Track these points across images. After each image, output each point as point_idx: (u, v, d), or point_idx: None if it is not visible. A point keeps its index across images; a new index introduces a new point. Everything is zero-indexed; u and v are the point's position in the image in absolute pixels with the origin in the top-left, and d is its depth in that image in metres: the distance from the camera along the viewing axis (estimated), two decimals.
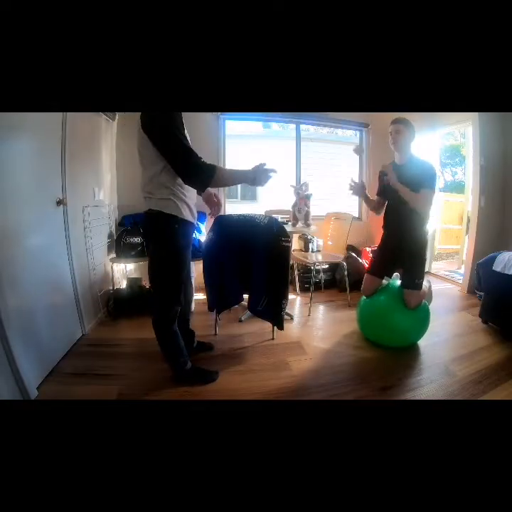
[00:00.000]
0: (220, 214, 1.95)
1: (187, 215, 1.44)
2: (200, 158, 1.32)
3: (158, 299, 1.52)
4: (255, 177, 1.40)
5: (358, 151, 2.12)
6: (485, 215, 3.15)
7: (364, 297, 2.21)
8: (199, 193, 1.47)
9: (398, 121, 1.93)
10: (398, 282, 2.11)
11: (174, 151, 1.27)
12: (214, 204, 1.75)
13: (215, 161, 3.40)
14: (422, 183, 1.88)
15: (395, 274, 2.26)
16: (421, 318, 2.05)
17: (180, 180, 1.36)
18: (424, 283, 2.07)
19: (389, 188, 2.08)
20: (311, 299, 2.74)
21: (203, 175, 1.31)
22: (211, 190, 1.61)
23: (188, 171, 1.30)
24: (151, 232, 1.47)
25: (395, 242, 2.06)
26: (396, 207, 2.05)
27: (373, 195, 2.25)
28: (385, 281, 2.19)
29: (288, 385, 1.67)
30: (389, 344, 2.06)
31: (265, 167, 1.42)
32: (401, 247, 2.00)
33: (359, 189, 2.15)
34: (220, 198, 1.76)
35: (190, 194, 1.47)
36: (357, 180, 2.18)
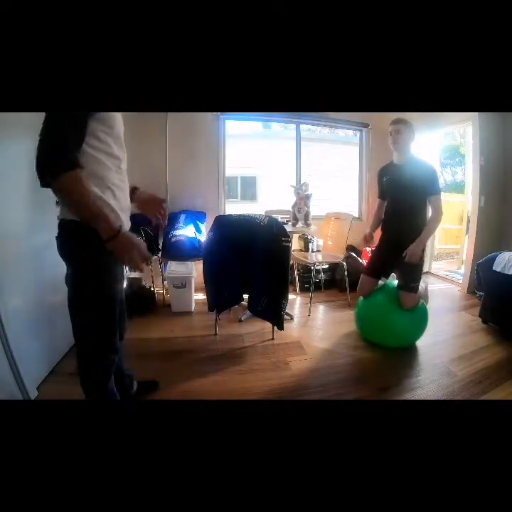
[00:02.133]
0: (221, 214, 1.91)
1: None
2: (70, 155, 0.88)
3: (84, 346, 1.08)
4: (118, 238, 0.92)
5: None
6: (485, 215, 3.15)
7: (361, 298, 2.21)
8: (43, 184, 0.90)
9: (398, 122, 1.93)
10: (395, 283, 2.11)
11: (44, 127, 0.87)
12: (152, 211, 1.25)
13: (215, 161, 3.44)
14: (428, 189, 1.90)
15: (391, 274, 2.25)
16: (418, 319, 2.05)
17: (105, 176, 0.99)
18: (421, 284, 2.07)
19: (388, 187, 2.08)
20: (311, 299, 2.74)
21: (52, 165, 0.86)
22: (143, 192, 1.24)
23: (41, 151, 0.86)
24: (65, 250, 1.03)
25: (393, 243, 2.06)
26: (395, 208, 2.06)
27: (374, 199, 2.26)
28: (381, 282, 2.19)
29: (288, 385, 1.67)
30: (387, 345, 2.06)
31: (134, 241, 0.96)
32: (399, 249, 2.00)
33: (370, 240, 2.14)
34: (164, 205, 1.25)
35: (119, 194, 1.04)
36: (366, 235, 2.14)
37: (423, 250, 1.97)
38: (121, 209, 1.05)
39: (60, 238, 1.03)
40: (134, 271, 1.01)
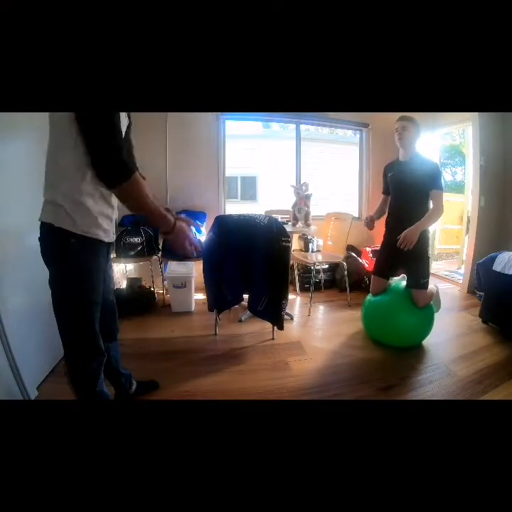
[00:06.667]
0: (221, 214, 1.91)
1: (89, 229, 0.98)
2: (127, 159, 0.96)
3: (69, 349, 1.09)
4: (174, 231, 1.02)
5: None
6: (485, 215, 3.15)
7: (369, 297, 2.21)
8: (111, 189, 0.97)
9: (404, 119, 1.95)
10: (403, 283, 2.11)
11: (101, 130, 0.90)
12: (181, 246, 1.09)
13: (215, 161, 3.44)
14: (431, 184, 1.91)
15: (400, 274, 2.24)
16: (426, 319, 2.05)
17: (88, 179, 0.95)
18: (432, 287, 2.06)
19: (392, 183, 2.08)
20: (311, 299, 2.74)
21: (120, 170, 0.93)
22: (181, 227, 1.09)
23: (104, 157, 0.92)
24: (45, 253, 1.02)
25: (396, 240, 2.05)
26: (398, 205, 2.06)
27: (376, 196, 2.25)
28: (392, 281, 2.18)
29: (288, 385, 1.67)
30: (394, 344, 2.05)
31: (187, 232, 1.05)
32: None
33: (371, 223, 2.16)
34: (194, 241, 1.13)
35: (103, 199, 1.02)
36: (368, 217, 2.18)
37: (427, 245, 1.97)
38: (102, 210, 1.03)
39: (40, 241, 1.02)
40: (190, 256, 1.17)
